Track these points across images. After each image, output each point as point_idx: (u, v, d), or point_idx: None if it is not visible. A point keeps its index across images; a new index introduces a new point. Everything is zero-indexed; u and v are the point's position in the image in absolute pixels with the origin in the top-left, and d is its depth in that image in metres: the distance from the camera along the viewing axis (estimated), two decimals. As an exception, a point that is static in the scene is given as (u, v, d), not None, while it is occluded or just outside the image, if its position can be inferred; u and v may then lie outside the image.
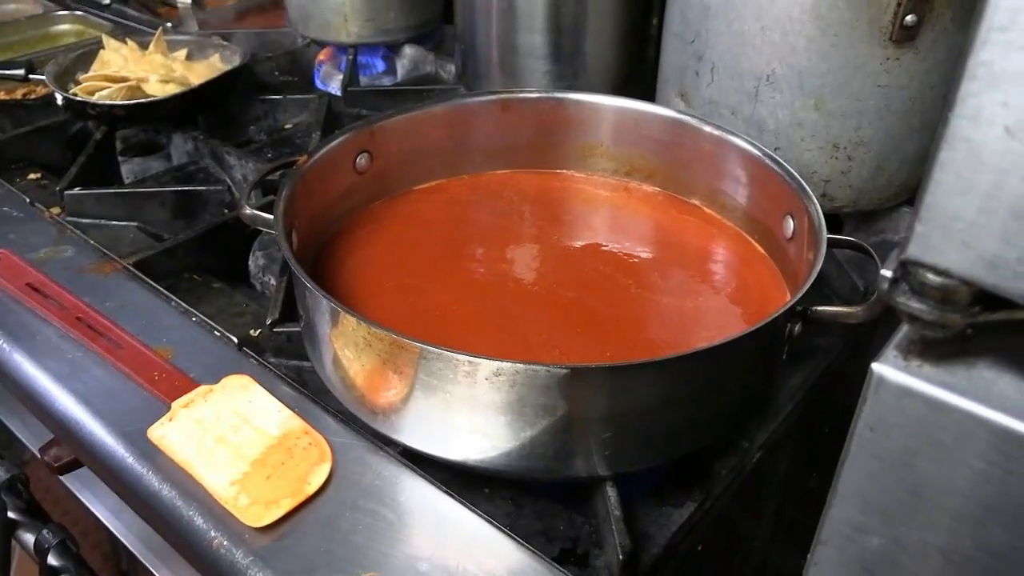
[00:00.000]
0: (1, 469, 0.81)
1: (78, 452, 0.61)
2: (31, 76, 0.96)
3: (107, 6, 1.36)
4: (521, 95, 0.76)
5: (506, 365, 0.47)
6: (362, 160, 0.70)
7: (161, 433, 0.54)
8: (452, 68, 1.08)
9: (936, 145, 0.22)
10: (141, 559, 0.77)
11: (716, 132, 0.68)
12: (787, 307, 0.51)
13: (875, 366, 0.26)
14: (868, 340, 0.71)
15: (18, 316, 0.66)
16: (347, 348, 0.53)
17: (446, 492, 0.53)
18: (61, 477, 0.79)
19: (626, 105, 0.74)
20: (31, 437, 0.86)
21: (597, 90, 0.85)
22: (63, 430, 0.59)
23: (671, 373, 0.49)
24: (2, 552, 0.86)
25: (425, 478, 0.54)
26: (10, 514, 0.81)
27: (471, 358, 0.47)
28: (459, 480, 0.54)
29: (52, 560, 0.76)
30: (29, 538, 0.79)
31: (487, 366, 0.47)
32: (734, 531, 0.62)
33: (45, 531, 0.77)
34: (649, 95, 0.84)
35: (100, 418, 0.57)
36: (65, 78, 0.94)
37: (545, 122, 0.76)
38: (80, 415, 0.57)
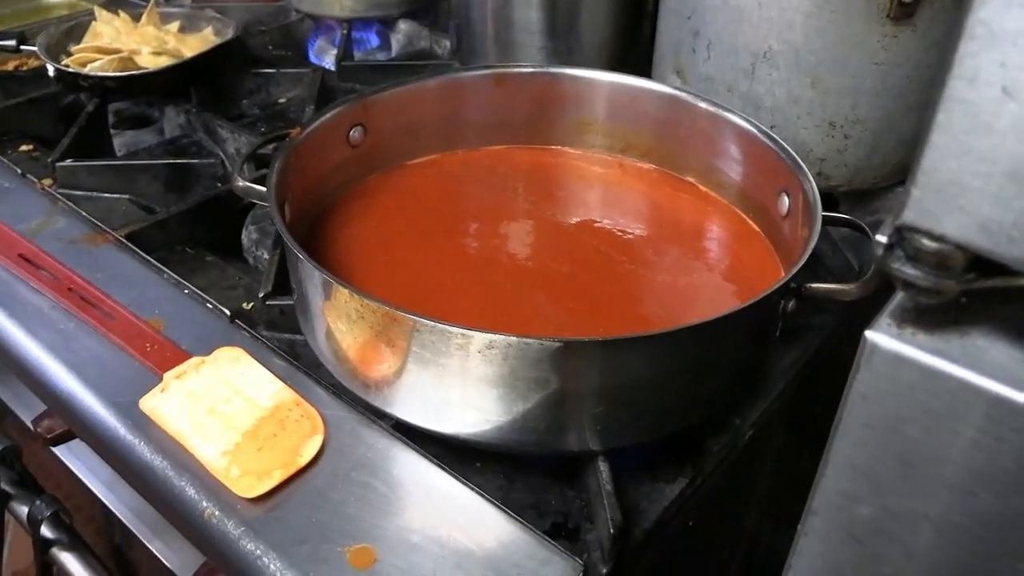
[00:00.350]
0: (-7, 441, 0.81)
1: (71, 423, 0.60)
2: (22, 47, 0.95)
3: (99, -22, 1.35)
4: (516, 70, 0.75)
5: (499, 338, 0.47)
6: (355, 133, 0.70)
7: (153, 404, 0.54)
8: (447, 43, 1.07)
9: (933, 108, 0.22)
10: (134, 531, 0.77)
11: (711, 109, 0.68)
12: (781, 284, 0.51)
13: (868, 333, 0.26)
14: (861, 319, 0.71)
15: (10, 287, 0.65)
16: (339, 321, 0.53)
17: (438, 465, 0.53)
18: (54, 449, 0.79)
19: (621, 81, 0.73)
20: (23, 408, 0.86)
21: (592, 66, 0.85)
22: (55, 401, 0.58)
23: (664, 348, 0.49)
24: (-6, 524, 0.86)
25: (417, 451, 0.54)
26: (3, 486, 0.81)
27: (464, 330, 0.47)
28: (451, 453, 0.54)
29: (45, 532, 0.76)
30: (22, 510, 0.79)
31: (480, 339, 0.47)
32: (725, 508, 0.63)
33: (38, 502, 0.78)
34: (644, 72, 0.84)
35: (92, 389, 0.57)
36: (57, 50, 0.93)
37: (540, 97, 0.75)
38: (72, 386, 0.57)
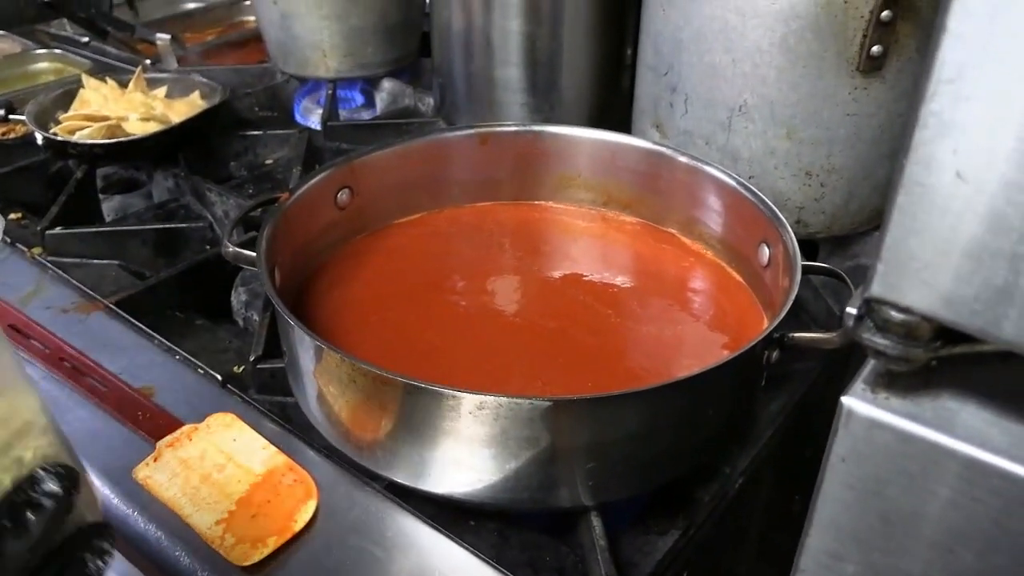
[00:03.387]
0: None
1: (62, 494, 0.60)
2: (11, 116, 0.97)
3: (86, 44, 1.37)
4: (499, 129, 0.77)
5: (489, 399, 0.48)
6: (343, 196, 0.71)
7: (146, 473, 0.54)
8: (430, 101, 1.09)
9: (893, 189, 0.23)
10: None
11: (691, 162, 0.70)
12: (764, 335, 0.52)
13: (844, 399, 0.27)
14: (845, 364, 0.72)
15: None
16: (331, 384, 0.54)
17: (432, 526, 0.54)
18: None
19: (602, 137, 0.75)
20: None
21: (574, 121, 0.87)
22: (47, 472, 0.58)
23: (652, 403, 0.50)
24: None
25: (411, 512, 0.54)
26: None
27: (454, 392, 0.48)
28: (445, 513, 0.55)
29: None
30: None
31: (470, 400, 0.48)
32: (718, 557, 0.63)
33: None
34: (625, 125, 0.86)
35: (85, 459, 0.56)
36: (45, 117, 0.94)
37: (523, 155, 0.77)
38: (64, 457, 0.57)
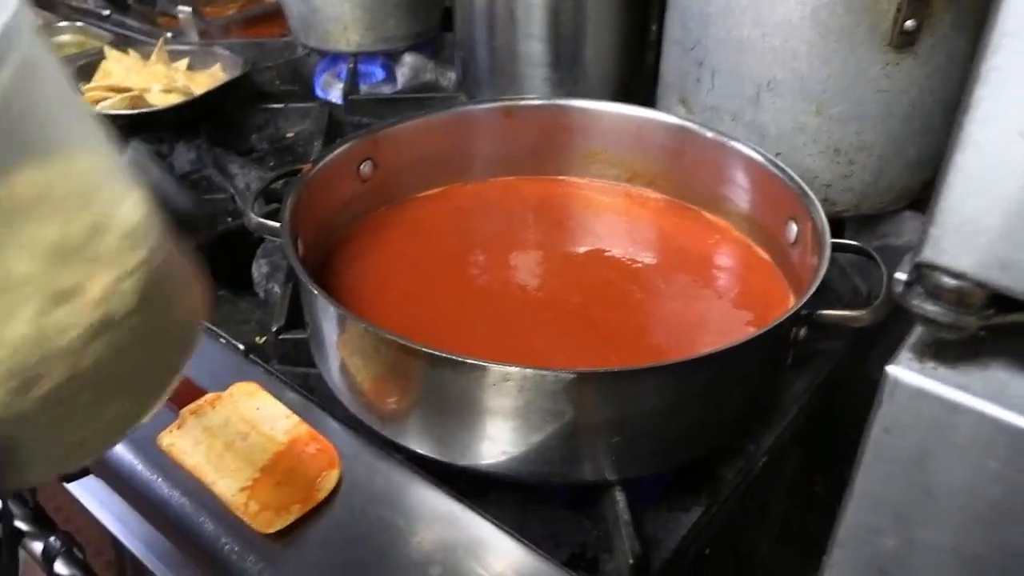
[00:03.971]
0: (6, 478, 0.81)
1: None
2: (33, 86, 0.96)
3: (107, 17, 1.36)
4: (523, 102, 0.76)
5: (514, 370, 0.47)
6: (365, 168, 0.71)
7: (170, 440, 0.54)
8: (452, 76, 1.08)
9: (950, 148, 0.22)
10: (147, 565, 0.77)
11: (717, 138, 0.69)
12: (793, 311, 0.51)
13: (890, 368, 0.26)
14: (871, 344, 0.71)
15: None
16: (355, 355, 0.54)
17: (455, 497, 0.53)
18: (66, 485, 0.79)
19: (628, 112, 0.74)
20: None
21: (597, 96, 0.86)
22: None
23: (678, 378, 0.50)
24: (10, 560, 0.86)
25: (433, 483, 0.54)
26: (17, 523, 0.81)
27: (479, 363, 0.48)
28: (467, 485, 0.54)
29: (59, 568, 0.76)
30: (36, 546, 0.79)
31: (495, 372, 0.48)
32: (740, 535, 0.62)
33: (52, 539, 0.78)
34: (649, 101, 0.85)
35: (108, 426, 0.57)
36: (67, 88, 0.93)
37: (547, 129, 0.76)
38: (88, 423, 0.57)
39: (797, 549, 0.69)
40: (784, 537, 0.72)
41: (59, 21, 1.36)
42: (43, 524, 0.82)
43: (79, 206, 0.27)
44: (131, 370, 0.28)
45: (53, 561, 0.78)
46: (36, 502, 0.84)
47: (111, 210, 0.28)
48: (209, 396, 0.57)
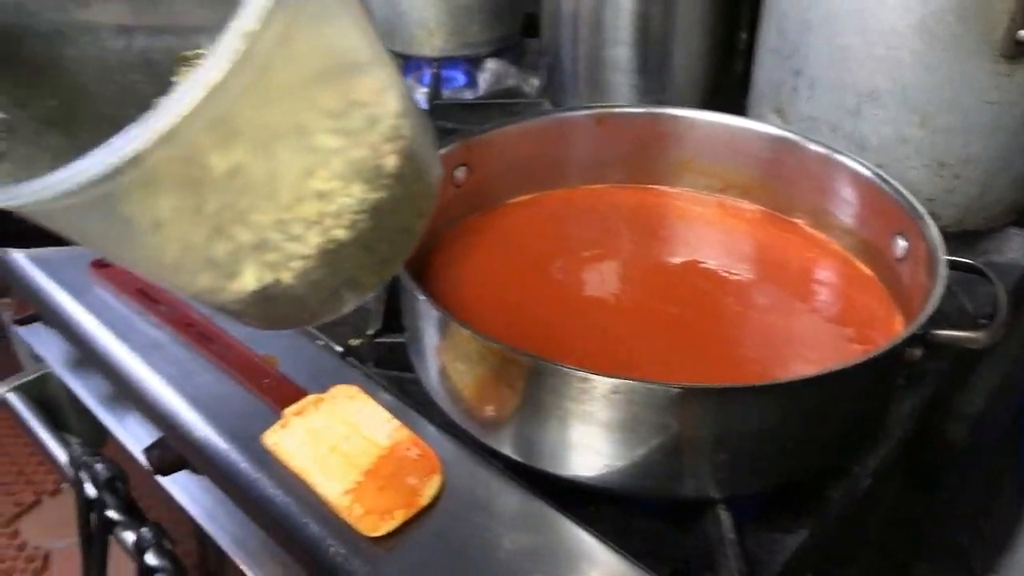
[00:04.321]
0: (103, 467, 0.83)
1: (191, 456, 0.62)
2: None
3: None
4: (616, 110, 0.76)
5: (624, 383, 0.47)
6: (460, 173, 0.71)
7: (275, 440, 0.55)
8: (535, 81, 1.08)
9: None
10: (235, 560, 0.78)
11: (822, 151, 0.67)
12: (911, 332, 0.50)
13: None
14: (972, 367, 0.69)
15: (130, 320, 0.67)
16: (458, 361, 0.54)
17: (555, 508, 0.53)
18: (159, 478, 0.81)
19: (723, 121, 0.73)
20: (129, 438, 0.88)
21: (684, 104, 0.85)
22: (175, 433, 0.60)
23: (791, 397, 0.49)
24: (100, 549, 0.88)
25: (533, 493, 0.54)
26: (109, 513, 0.84)
27: (588, 375, 0.47)
28: (566, 496, 0.54)
29: (150, 559, 0.78)
30: (128, 537, 0.81)
31: (604, 383, 0.47)
32: (841, 557, 0.61)
33: (143, 530, 0.80)
34: (736, 109, 0.84)
35: (214, 423, 0.58)
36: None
37: (640, 137, 0.75)
38: (194, 420, 0.59)
39: (895, 573, 0.67)
40: (882, 561, 0.71)
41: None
42: (133, 515, 0.84)
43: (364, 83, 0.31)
44: (394, 228, 0.34)
45: (144, 552, 0.80)
46: (127, 493, 0.86)
47: (388, 91, 0.32)
48: (311, 397, 0.58)
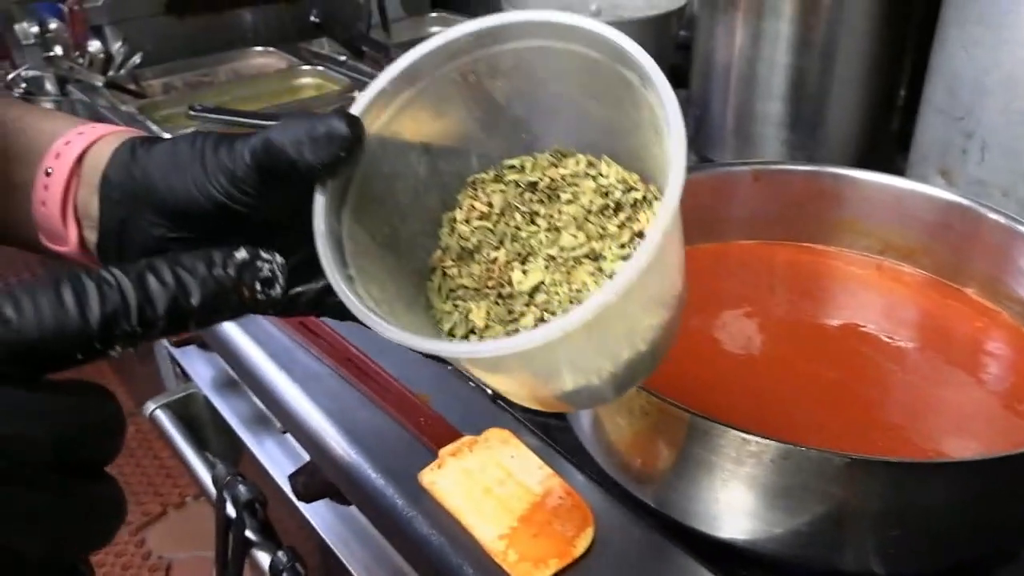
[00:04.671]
0: (245, 489, 0.87)
1: (344, 487, 0.64)
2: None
3: (343, 63, 1.47)
4: (775, 167, 0.75)
5: (797, 450, 0.46)
6: (615, 224, 0.71)
7: (432, 479, 0.56)
8: (678, 132, 1.08)
9: None
10: (367, 591, 0.80)
11: (1002, 220, 0.64)
12: (1109, 415, 0.47)
13: None
14: None
15: (292, 353, 0.70)
16: (617, 415, 0.54)
17: (709, 570, 0.52)
18: (301, 505, 0.83)
19: (889, 182, 0.71)
20: (269, 461, 0.91)
21: (837, 161, 0.83)
22: (330, 464, 0.62)
23: (975, 476, 0.46)
24: (236, 568, 0.91)
25: (686, 552, 0.53)
26: (247, 533, 0.87)
27: (760, 439, 0.46)
28: (718, 558, 0.53)
29: (284, 582, 0.81)
30: (264, 559, 0.84)
31: (776, 448, 0.46)
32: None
33: (280, 553, 0.82)
34: (892, 167, 0.81)
35: (370, 457, 0.60)
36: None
37: (798, 194, 0.74)
38: (352, 455, 0.60)
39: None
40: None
41: (302, 65, 1.47)
42: (270, 537, 0.87)
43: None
44: (672, 330, 0.41)
45: (280, 574, 0.82)
46: (265, 515, 0.89)
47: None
48: (466, 439, 0.59)
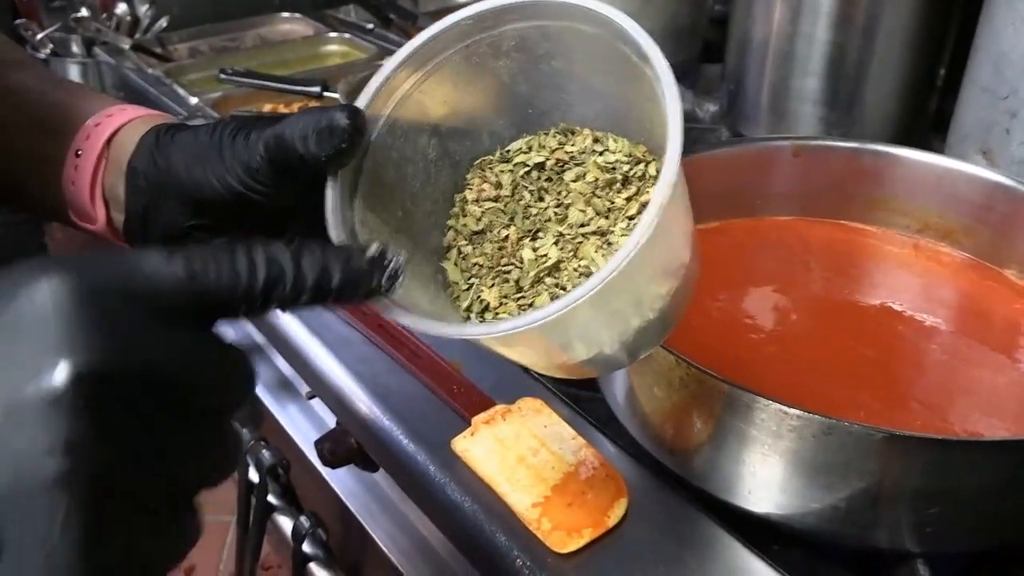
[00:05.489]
0: (269, 454, 0.87)
1: (374, 453, 0.64)
2: (325, 93, 1.04)
3: (370, 30, 1.45)
4: (814, 142, 0.74)
5: (841, 424, 0.45)
6: (650, 196, 0.71)
7: (464, 446, 0.56)
8: (710, 107, 1.07)
9: None
10: (389, 556, 0.80)
11: (1048, 199, 0.63)
12: None
13: None
14: None
15: (322, 318, 0.70)
16: (657, 386, 0.53)
17: (744, 544, 0.52)
18: (325, 471, 0.84)
19: (931, 161, 0.70)
20: (292, 427, 0.92)
21: (873, 139, 0.82)
22: (366, 432, 0.62)
23: (1018, 456, 0.46)
24: (258, 531, 0.92)
25: (721, 526, 0.53)
26: (270, 498, 0.87)
27: (803, 412, 0.46)
28: (751, 532, 0.53)
29: (305, 548, 0.81)
30: (286, 523, 0.84)
31: (819, 423, 0.46)
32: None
33: (302, 518, 0.82)
34: (929, 146, 0.80)
35: (404, 425, 0.59)
36: (354, 95, 1.00)
37: (836, 171, 0.73)
38: (385, 420, 0.60)
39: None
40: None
41: (328, 32, 1.46)
42: (291, 502, 0.87)
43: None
44: (682, 299, 0.42)
45: (303, 540, 0.82)
46: (288, 480, 0.89)
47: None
48: (499, 407, 0.59)
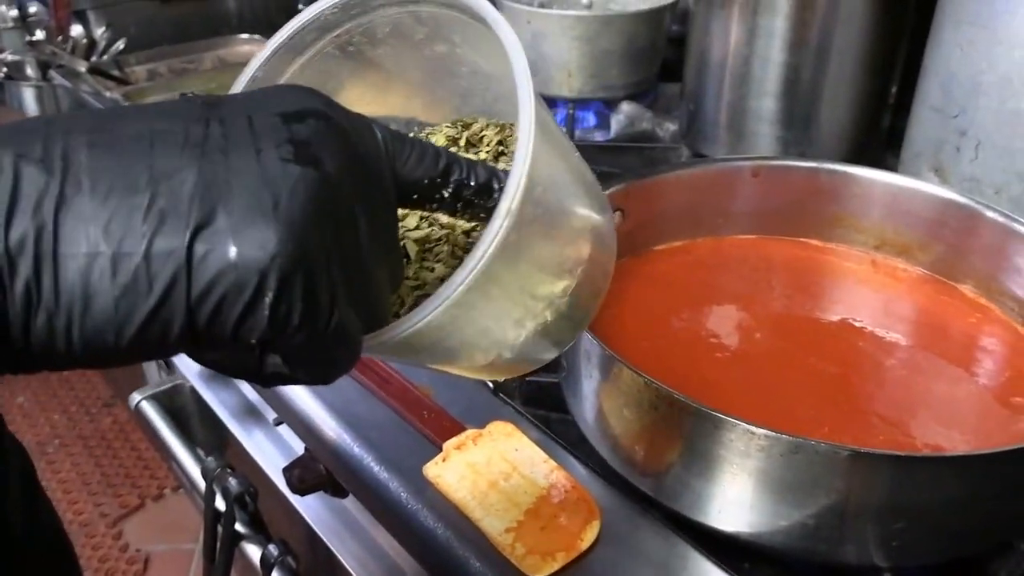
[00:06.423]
0: (236, 482, 0.86)
1: (345, 481, 0.63)
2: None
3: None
4: (773, 162, 0.75)
5: (808, 443, 0.46)
6: (615, 218, 0.71)
7: (436, 472, 0.56)
8: (669, 126, 1.09)
9: None
10: (360, 585, 0.79)
11: (1000, 219, 0.65)
12: (1110, 410, 0.48)
13: None
14: None
15: (290, 344, 0.70)
16: (626, 407, 0.54)
17: (714, 562, 0.52)
18: (294, 498, 0.83)
19: (887, 179, 0.72)
20: (259, 453, 0.91)
21: (829, 158, 0.84)
22: (333, 459, 0.62)
23: (981, 469, 0.47)
24: (225, 560, 0.91)
25: (691, 545, 0.53)
26: (237, 527, 0.86)
27: (771, 433, 0.47)
28: (722, 551, 0.53)
29: (275, 575, 0.80)
30: (250, 549, 0.83)
31: (786, 442, 0.47)
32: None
33: (271, 546, 0.81)
34: (883, 164, 0.82)
35: (374, 450, 0.59)
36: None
37: (795, 190, 0.75)
38: (355, 447, 0.60)
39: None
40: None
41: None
42: (260, 530, 0.86)
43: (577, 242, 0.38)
44: (587, 296, 0.40)
45: (271, 568, 0.81)
46: (256, 508, 0.88)
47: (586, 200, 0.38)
48: (470, 432, 0.59)
